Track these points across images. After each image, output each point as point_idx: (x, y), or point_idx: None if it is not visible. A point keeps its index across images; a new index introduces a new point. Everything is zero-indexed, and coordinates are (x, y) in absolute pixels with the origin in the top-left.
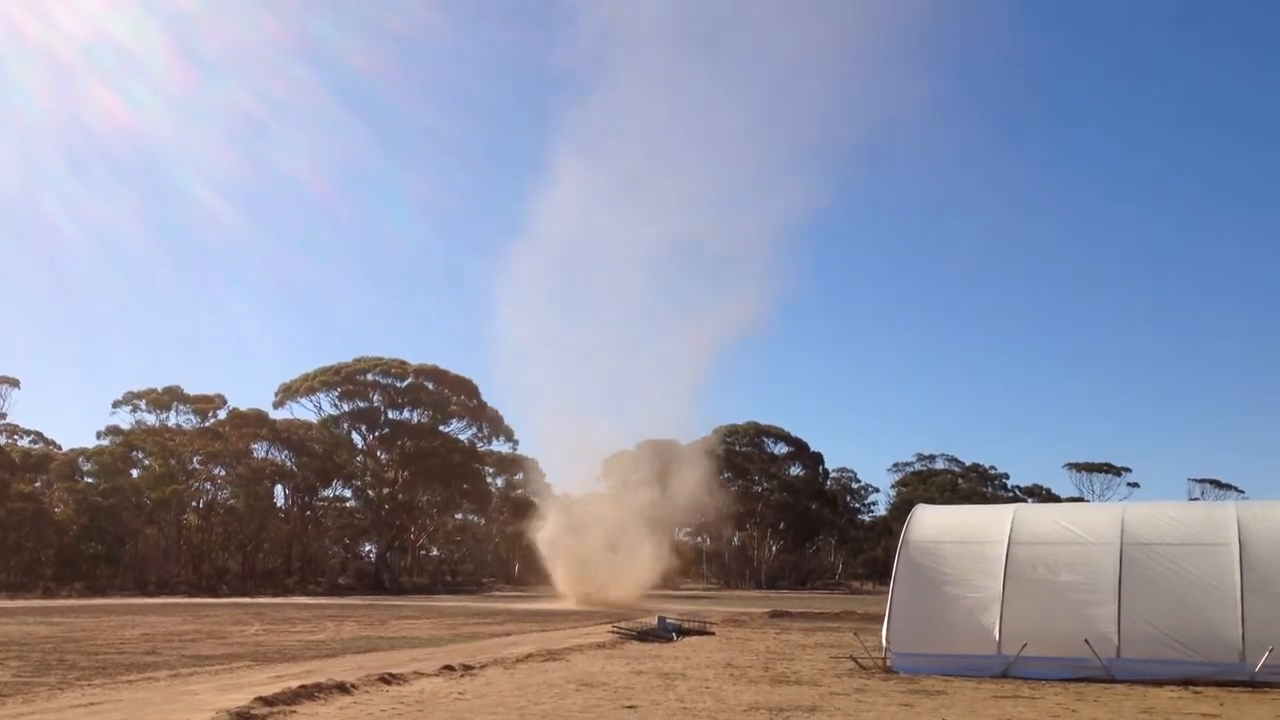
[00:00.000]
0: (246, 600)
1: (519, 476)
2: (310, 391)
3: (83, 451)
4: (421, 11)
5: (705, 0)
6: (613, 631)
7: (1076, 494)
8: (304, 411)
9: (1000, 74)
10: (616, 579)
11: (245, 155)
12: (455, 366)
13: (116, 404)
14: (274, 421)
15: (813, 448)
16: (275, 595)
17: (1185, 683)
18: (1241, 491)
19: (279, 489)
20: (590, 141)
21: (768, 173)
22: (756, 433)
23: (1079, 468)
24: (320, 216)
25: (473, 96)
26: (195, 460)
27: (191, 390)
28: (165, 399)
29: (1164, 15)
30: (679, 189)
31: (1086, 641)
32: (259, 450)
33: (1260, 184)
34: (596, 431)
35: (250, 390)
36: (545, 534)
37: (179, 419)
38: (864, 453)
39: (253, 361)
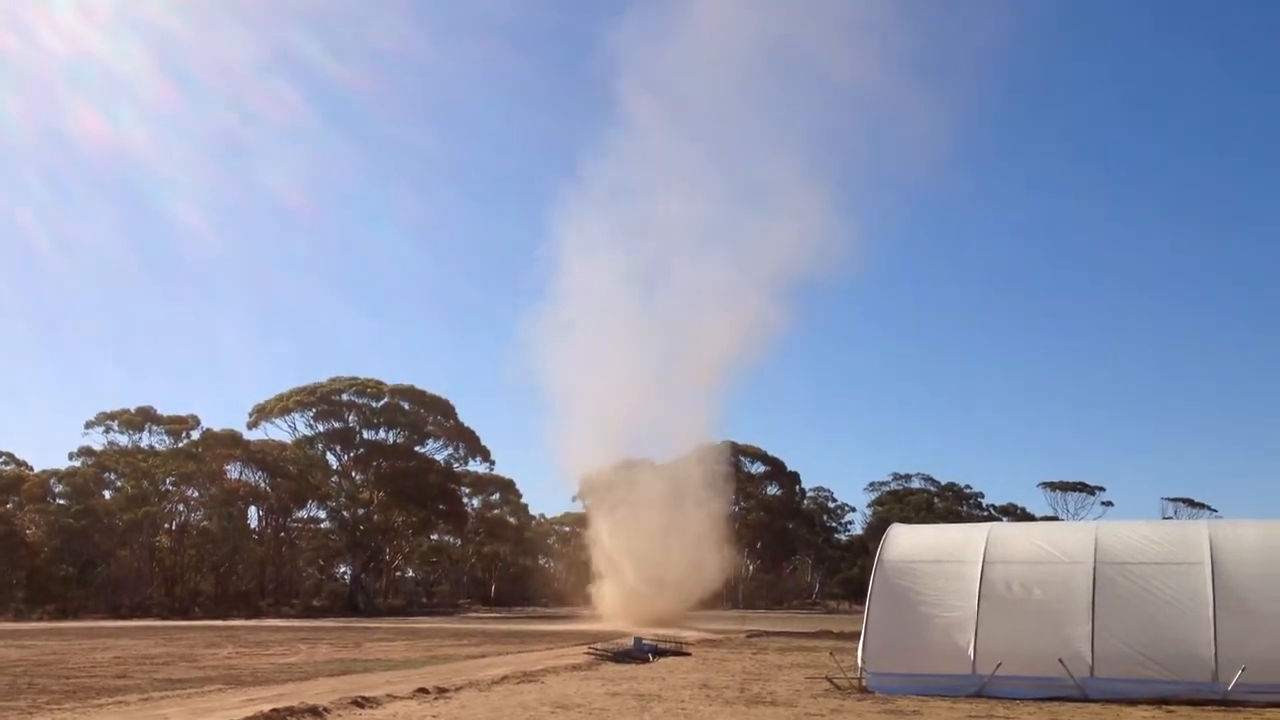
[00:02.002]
0: (219, 623)
1: (495, 496)
2: (285, 412)
3: (55, 473)
4: (405, 28)
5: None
6: (589, 653)
7: (1051, 513)
8: (279, 432)
9: (978, 82)
10: (662, 597)
11: (225, 172)
12: (433, 387)
13: (89, 424)
14: (248, 442)
15: (789, 467)
16: (249, 617)
17: (1159, 702)
18: (1214, 510)
19: (253, 510)
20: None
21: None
22: (733, 452)
23: (1053, 486)
24: (299, 235)
25: (457, 114)
26: (168, 481)
27: (165, 411)
28: (138, 419)
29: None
30: (678, 225)
31: (1061, 661)
32: (233, 471)
33: (1232, 202)
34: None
35: (224, 411)
36: (599, 549)
37: (152, 440)
38: (841, 472)
39: (228, 382)
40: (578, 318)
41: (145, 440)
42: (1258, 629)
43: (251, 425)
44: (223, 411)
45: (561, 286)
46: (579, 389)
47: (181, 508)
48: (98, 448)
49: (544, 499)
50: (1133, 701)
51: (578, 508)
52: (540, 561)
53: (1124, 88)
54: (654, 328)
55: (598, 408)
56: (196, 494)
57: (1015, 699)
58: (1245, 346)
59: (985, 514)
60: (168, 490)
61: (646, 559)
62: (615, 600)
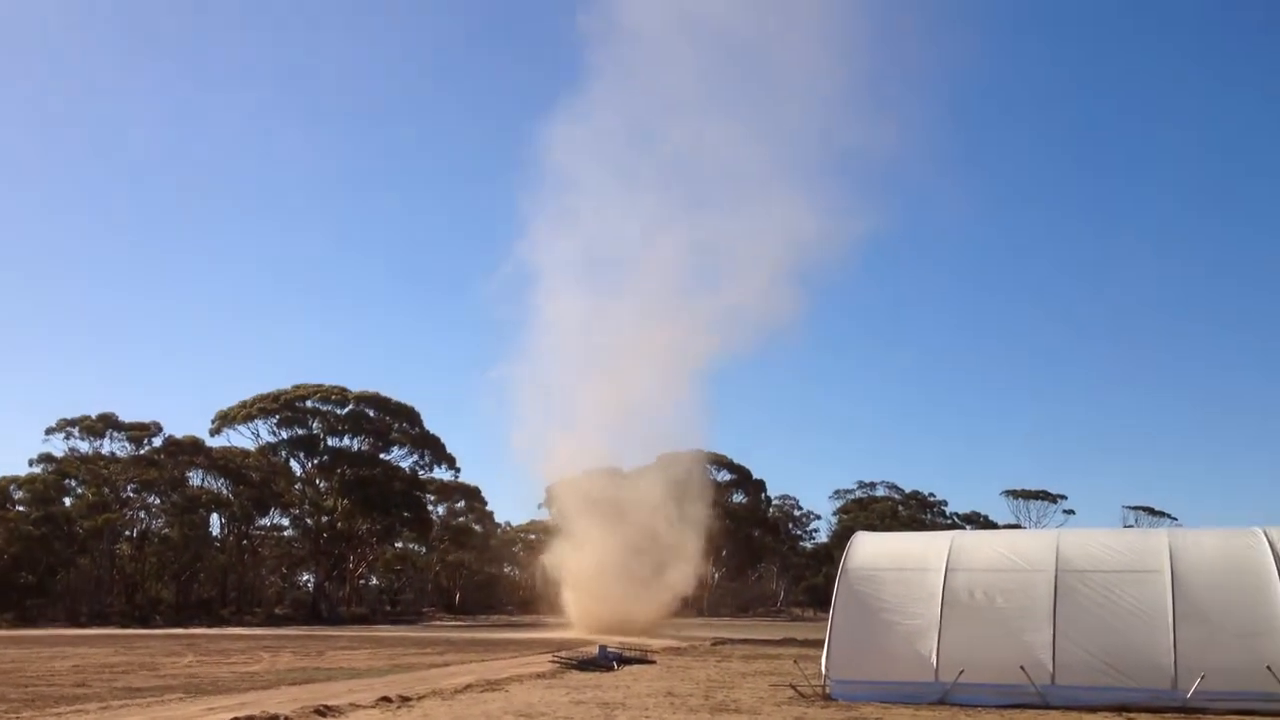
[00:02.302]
0: (180, 631)
1: (460, 504)
2: (248, 419)
3: (14, 479)
4: (383, 33)
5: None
6: (553, 661)
7: (1014, 521)
8: (242, 439)
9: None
10: (631, 605)
11: (186, 177)
12: (398, 394)
13: (50, 431)
14: (211, 449)
15: (755, 475)
16: (210, 626)
17: (1119, 709)
18: (1174, 519)
19: (215, 518)
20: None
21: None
22: (699, 460)
23: (1016, 495)
24: (263, 239)
25: (426, 121)
26: (129, 488)
27: (127, 417)
28: (99, 426)
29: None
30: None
31: (1022, 668)
32: (195, 478)
33: (1195, 213)
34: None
35: (187, 417)
36: (554, 556)
37: (113, 446)
38: (806, 480)
39: (191, 388)
40: (545, 325)
41: (106, 447)
42: (1216, 637)
43: (214, 432)
44: (185, 418)
45: (530, 296)
46: (546, 397)
47: (143, 515)
48: (58, 454)
49: (510, 507)
50: (1093, 709)
51: (544, 515)
52: (505, 569)
53: (1086, 91)
54: (622, 336)
55: (565, 415)
56: (158, 501)
57: (978, 706)
58: (1207, 357)
59: (949, 522)
60: (129, 497)
61: (617, 567)
62: (585, 608)
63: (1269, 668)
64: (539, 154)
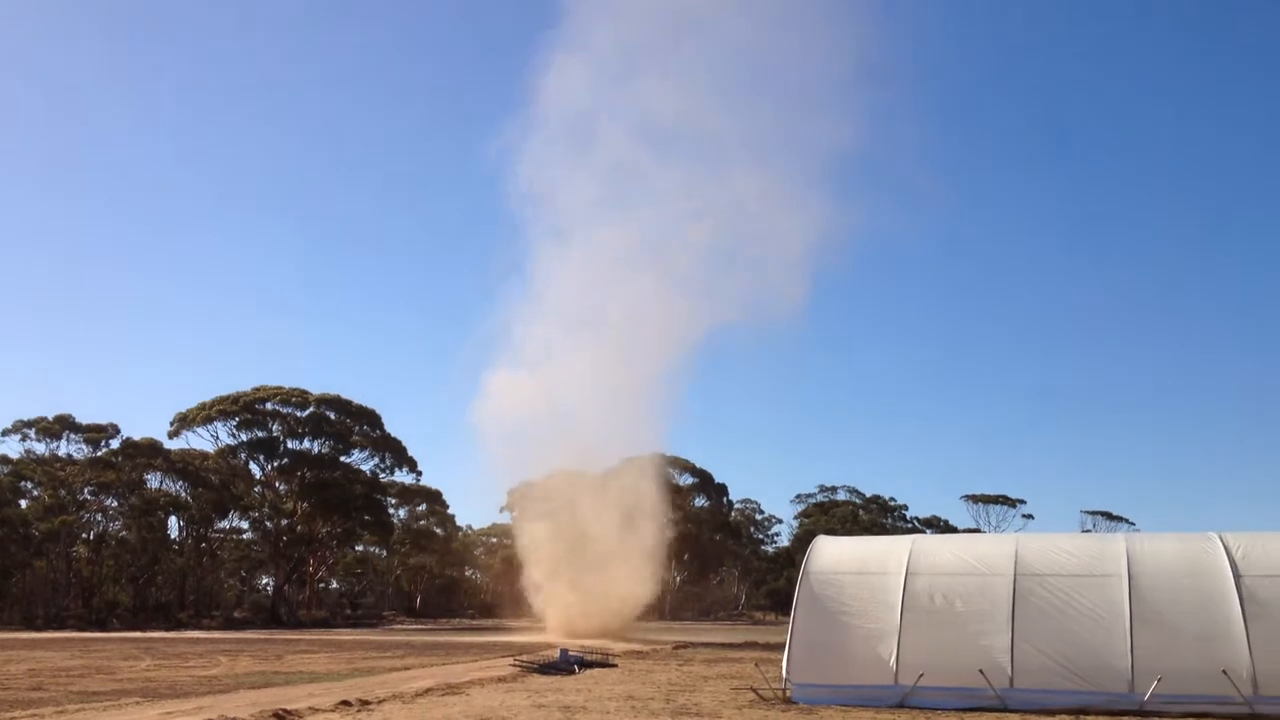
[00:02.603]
0: (138, 634)
1: (422, 507)
2: (207, 421)
3: None
4: (353, 36)
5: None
6: (514, 665)
7: (973, 525)
8: (201, 441)
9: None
10: (592, 609)
11: (141, 177)
12: (360, 396)
13: (6, 432)
14: (169, 451)
15: (717, 479)
16: (168, 629)
17: (1077, 712)
18: (1132, 524)
19: (173, 520)
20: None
21: None
22: (662, 464)
23: (976, 499)
24: (224, 240)
25: (388, 121)
26: (86, 491)
27: (84, 419)
28: (56, 428)
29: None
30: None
31: (981, 671)
32: (153, 481)
33: (1146, 223)
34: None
35: (145, 419)
36: (514, 559)
37: (70, 448)
38: (768, 484)
39: (149, 390)
40: (506, 328)
41: (63, 448)
42: (1173, 641)
43: (173, 434)
44: (144, 420)
45: (499, 301)
46: (509, 399)
47: (100, 517)
48: (14, 456)
49: (471, 510)
50: (1051, 712)
51: (505, 519)
52: (467, 573)
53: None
54: (584, 339)
55: (529, 418)
56: (115, 503)
57: (937, 709)
58: (1164, 361)
59: (909, 526)
60: (86, 500)
61: (578, 571)
62: (547, 611)
63: (1224, 671)
64: (507, 153)
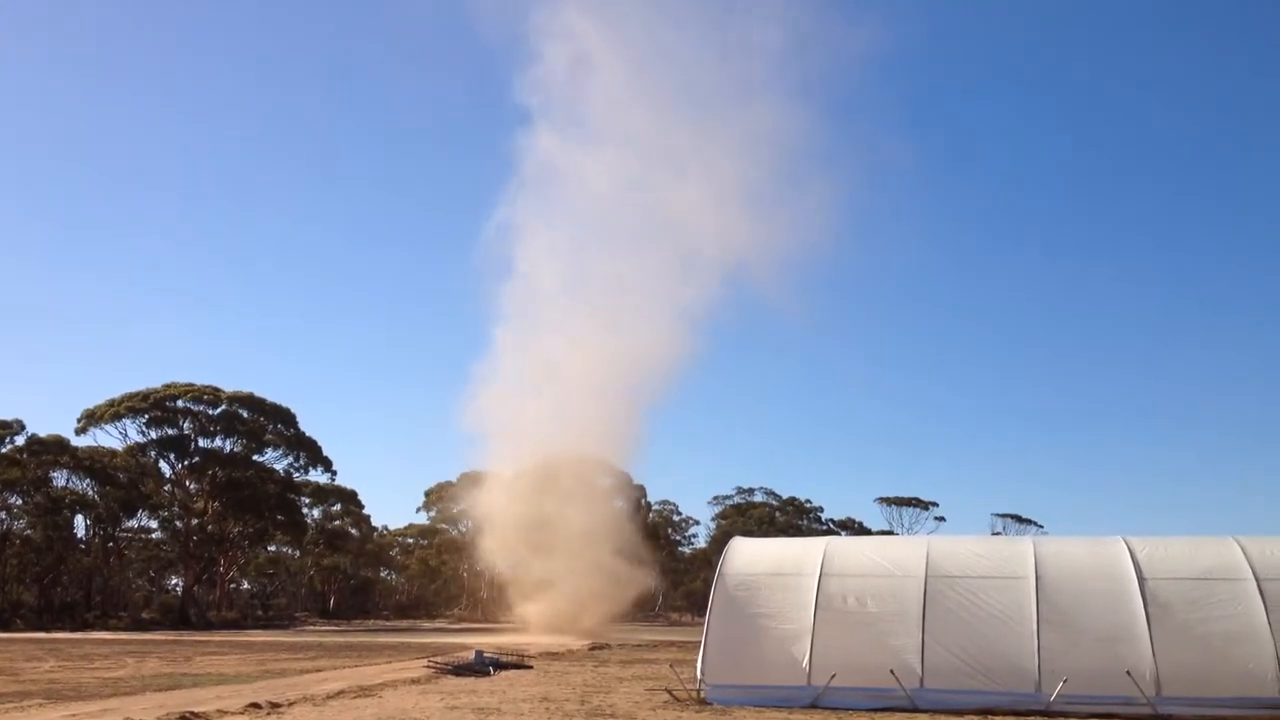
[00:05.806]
0: (42, 635)
1: (337, 507)
2: (116, 418)
3: None
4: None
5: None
6: (428, 666)
7: (887, 527)
8: (109, 439)
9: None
10: (588, 607)
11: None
12: (274, 395)
13: None
14: (76, 449)
15: (635, 480)
16: (74, 630)
17: (984, 712)
18: (1041, 526)
19: (80, 519)
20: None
21: None
22: (579, 463)
23: (889, 502)
24: (135, 236)
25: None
26: None
27: None
28: None
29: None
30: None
31: (892, 672)
32: (59, 478)
33: (1064, 229)
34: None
35: (52, 416)
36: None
37: None
38: (685, 485)
39: (56, 386)
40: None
41: None
42: (1079, 642)
43: (80, 431)
44: (50, 416)
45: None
46: (430, 398)
47: (3, 515)
48: None
49: (388, 510)
50: (960, 712)
51: (422, 519)
52: (383, 574)
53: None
54: (507, 340)
55: (450, 420)
56: (20, 501)
57: (849, 709)
58: (1074, 369)
59: (824, 528)
60: None
61: (497, 569)
62: (468, 612)
63: (1128, 672)
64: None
